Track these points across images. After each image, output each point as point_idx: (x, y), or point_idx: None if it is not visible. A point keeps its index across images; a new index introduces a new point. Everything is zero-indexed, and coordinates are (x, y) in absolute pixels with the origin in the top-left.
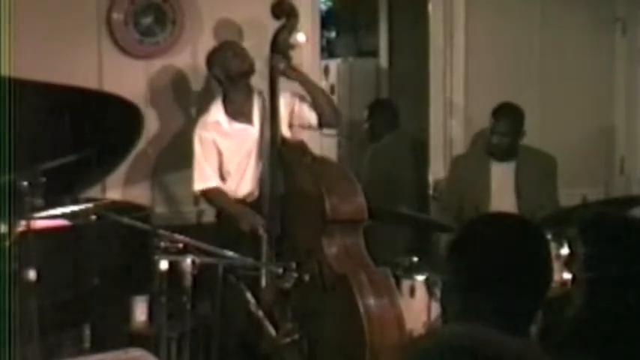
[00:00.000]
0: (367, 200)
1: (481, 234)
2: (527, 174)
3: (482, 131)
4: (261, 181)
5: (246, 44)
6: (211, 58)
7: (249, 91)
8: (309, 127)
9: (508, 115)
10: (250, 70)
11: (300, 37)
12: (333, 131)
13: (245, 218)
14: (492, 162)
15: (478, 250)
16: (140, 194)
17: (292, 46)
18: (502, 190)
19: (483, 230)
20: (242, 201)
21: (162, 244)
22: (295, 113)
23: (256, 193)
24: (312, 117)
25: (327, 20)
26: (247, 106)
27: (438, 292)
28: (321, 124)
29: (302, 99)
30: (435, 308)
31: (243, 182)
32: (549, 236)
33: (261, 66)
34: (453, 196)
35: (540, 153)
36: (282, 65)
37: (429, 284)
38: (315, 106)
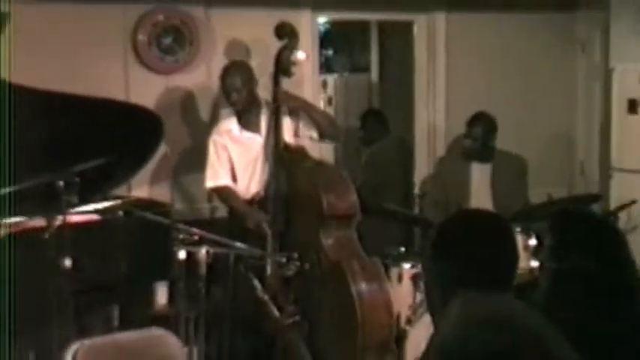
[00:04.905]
0: (361, 198)
1: (456, 230)
2: (501, 174)
3: (457, 138)
4: (267, 183)
5: (254, 62)
6: (220, 79)
7: (257, 105)
8: (311, 138)
9: (479, 122)
10: (237, 105)
11: (300, 55)
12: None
13: (251, 217)
14: (472, 164)
15: (455, 246)
16: (161, 193)
17: (294, 63)
18: (480, 188)
19: (458, 227)
20: (250, 201)
21: (181, 236)
22: (300, 128)
23: (262, 193)
24: (313, 132)
25: (325, 40)
26: (257, 117)
27: (421, 284)
28: (321, 137)
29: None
30: (420, 293)
31: (251, 184)
32: (519, 229)
33: (266, 81)
34: (440, 193)
35: (513, 156)
36: (281, 95)
37: (415, 278)
38: (316, 125)
